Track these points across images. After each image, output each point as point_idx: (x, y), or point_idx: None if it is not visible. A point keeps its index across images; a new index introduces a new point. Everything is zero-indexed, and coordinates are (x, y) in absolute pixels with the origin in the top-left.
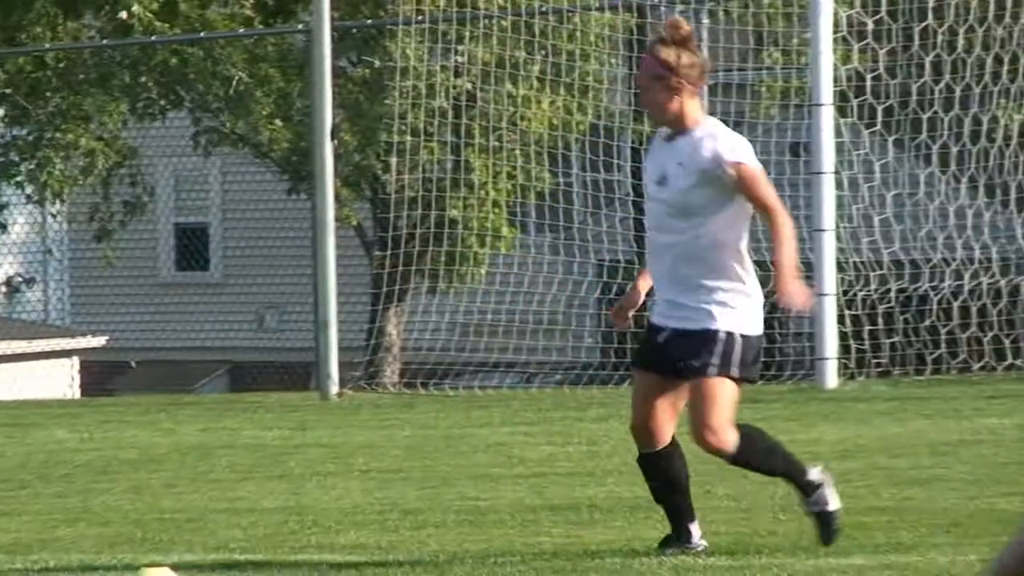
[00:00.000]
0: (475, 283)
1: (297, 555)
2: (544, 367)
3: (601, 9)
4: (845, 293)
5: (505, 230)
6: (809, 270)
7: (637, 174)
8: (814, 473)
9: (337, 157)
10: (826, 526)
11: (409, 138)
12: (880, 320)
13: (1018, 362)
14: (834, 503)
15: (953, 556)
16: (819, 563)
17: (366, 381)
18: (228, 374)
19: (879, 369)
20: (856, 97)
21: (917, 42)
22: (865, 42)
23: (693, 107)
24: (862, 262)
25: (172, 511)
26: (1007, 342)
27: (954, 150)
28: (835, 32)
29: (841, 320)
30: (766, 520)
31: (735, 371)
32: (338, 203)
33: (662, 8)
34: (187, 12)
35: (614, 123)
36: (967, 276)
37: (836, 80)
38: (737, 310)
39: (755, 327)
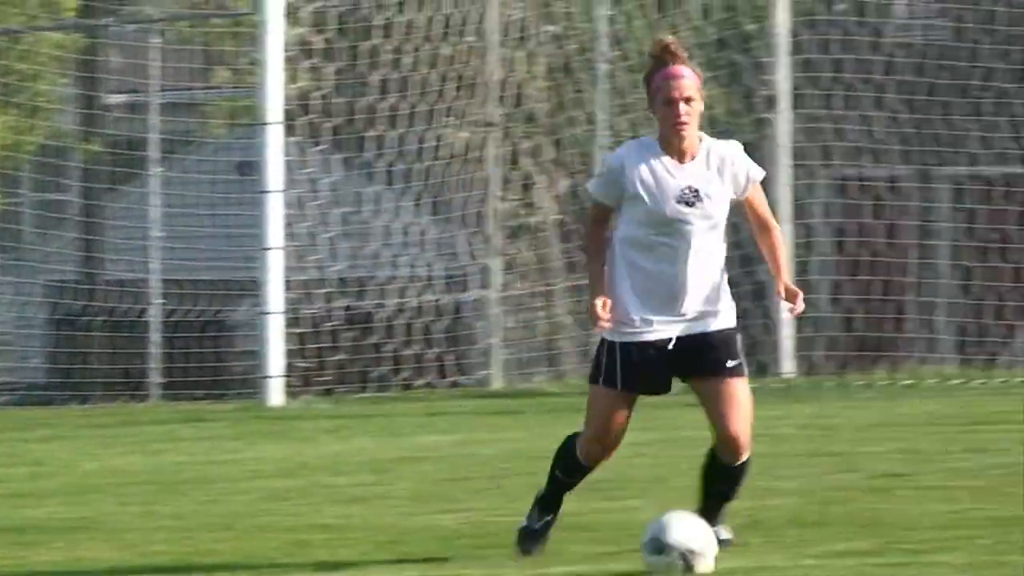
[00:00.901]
0: None
1: None
2: None
3: (52, 29)
4: (290, 311)
5: None
6: (257, 289)
7: (87, 194)
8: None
9: None
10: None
11: None
12: (325, 338)
13: (461, 379)
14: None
15: (394, 573)
16: None
17: None
18: None
19: (323, 387)
20: (303, 115)
21: (364, 61)
22: (313, 61)
23: None
24: (308, 280)
25: None
26: (449, 359)
27: (400, 168)
28: (284, 51)
29: (287, 338)
30: (207, 539)
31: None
32: None
33: (112, 29)
34: None
35: (64, 143)
36: (411, 294)
37: (285, 99)
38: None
39: None
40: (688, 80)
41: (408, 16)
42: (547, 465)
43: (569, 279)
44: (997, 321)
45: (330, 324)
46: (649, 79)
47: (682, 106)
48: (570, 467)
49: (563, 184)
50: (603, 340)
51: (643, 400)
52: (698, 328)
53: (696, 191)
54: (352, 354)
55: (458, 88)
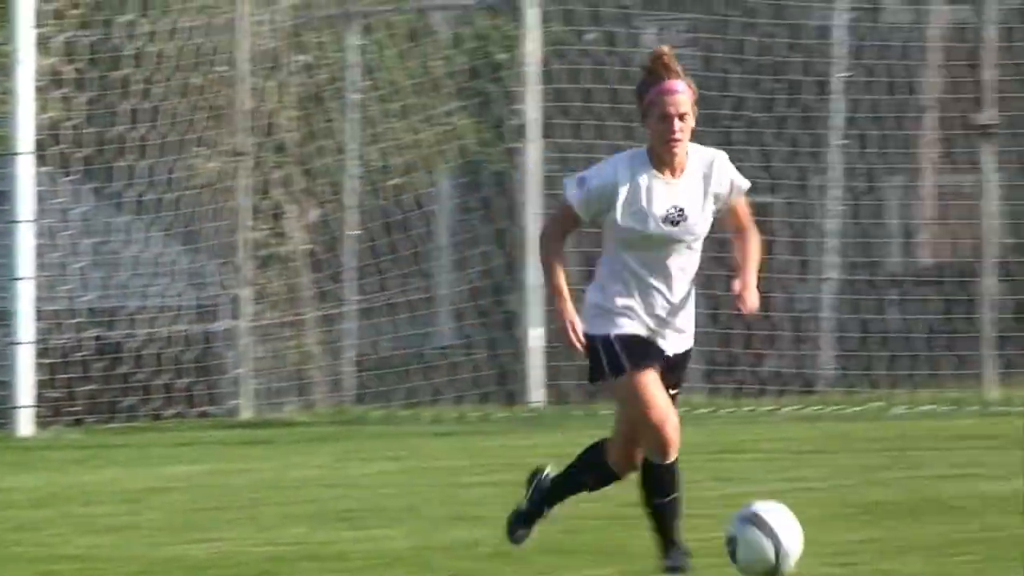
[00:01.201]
0: None
1: None
2: None
3: None
4: (41, 341)
5: None
6: (7, 319)
7: None
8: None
9: None
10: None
11: None
12: (75, 368)
13: (210, 408)
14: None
15: None
16: None
17: None
18: None
19: (73, 417)
20: (54, 145)
21: (115, 90)
22: (64, 91)
23: None
24: (58, 310)
25: None
26: (199, 389)
27: (150, 197)
28: (35, 81)
29: (37, 368)
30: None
31: None
32: None
33: None
34: None
35: None
36: (161, 323)
37: (35, 129)
38: None
39: None
40: (683, 95)
41: (159, 46)
42: (297, 494)
43: (319, 308)
44: (745, 350)
45: (80, 354)
46: (642, 91)
47: (677, 123)
48: (601, 476)
49: (313, 214)
50: (595, 337)
51: (393, 429)
52: (672, 347)
53: (681, 210)
54: (102, 384)
55: (208, 118)
